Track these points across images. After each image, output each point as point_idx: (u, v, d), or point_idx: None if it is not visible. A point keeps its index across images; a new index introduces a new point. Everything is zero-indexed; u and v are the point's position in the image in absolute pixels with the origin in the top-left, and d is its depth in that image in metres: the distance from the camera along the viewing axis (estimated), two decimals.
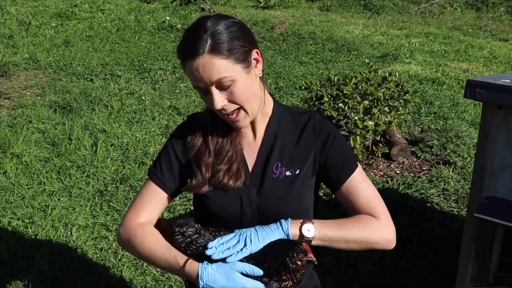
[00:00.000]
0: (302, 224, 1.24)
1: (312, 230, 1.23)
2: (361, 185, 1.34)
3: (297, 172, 1.34)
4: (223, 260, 1.20)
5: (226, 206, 1.33)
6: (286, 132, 1.36)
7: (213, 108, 1.25)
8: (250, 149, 1.37)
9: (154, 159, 1.43)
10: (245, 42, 1.25)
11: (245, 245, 1.20)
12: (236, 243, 1.21)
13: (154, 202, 1.38)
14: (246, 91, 1.25)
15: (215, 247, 1.20)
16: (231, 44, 1.21)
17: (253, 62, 1.27)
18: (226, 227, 1.30)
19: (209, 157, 1.34)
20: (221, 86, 1.22)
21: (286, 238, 1.23)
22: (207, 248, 1.22)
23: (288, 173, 1.33)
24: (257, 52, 1.28)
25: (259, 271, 1.19)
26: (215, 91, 1.22)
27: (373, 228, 1.31)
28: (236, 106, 1.25)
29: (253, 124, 1.36)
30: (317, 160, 1.35)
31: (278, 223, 1.25)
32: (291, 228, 1.23)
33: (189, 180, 1.39)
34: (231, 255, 1.19)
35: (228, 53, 1.21)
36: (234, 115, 1.26)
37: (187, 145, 1.37)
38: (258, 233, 1.22)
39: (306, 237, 1.23)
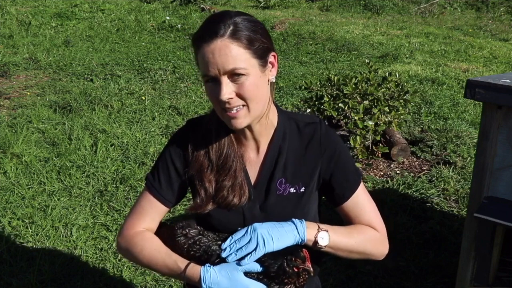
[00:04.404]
0: (318, 232, 1.23)
1: (326, 238, 1.23)
2: (363, 202, 1.34)
3: (302, 189, 1.31)
4: (225, 260, 1.20)
5: (229, 223, 1.30)
6: (291, 146, 1.32)
7: (218, 99, 1.17)
8: (253, 162, 1.33)
9: (152, 166, 1.39)
10: (266, 39, 1.21)
11: (257, 246, 1.18)
12: (248, 241, 1.19)
13: (153, 214, 1.35)
14: (256, 89, 1.19)
15: (229, 247, 1.19)
16: (253, 36, 1.17)
17: (269, 65, 1.23)
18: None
19: (212, 172, 1.30)
20: (233, 77, 1.16)
21: (300, 242, 1.22)
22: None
23: (292, 190, 1.30)
24: (274, 56, 1.24)
25: (260, 268, 1.19)
26: (225, 81, 1.16)
27: (375, 241, 1.33)
28: (241, 102, 1.19)
29: (256, 135, 1.30)
30: (321, 176, 1.33)
31: (293, 224, 1.23)
32: (306, 233, 1.22)
33: (189, 188, 1.37)
34: (244, 257, 1.18)
35: (248, 44, 1.16)
36: (235, 111, 1.19)
37: (188, 157, 1.32)
38: (273, 234, 1.19)
39: (319, 245, 1.23)
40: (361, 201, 1.34)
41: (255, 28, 1.19)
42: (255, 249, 1.18)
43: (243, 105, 1.20)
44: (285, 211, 1.29)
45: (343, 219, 1.37)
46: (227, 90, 1.16)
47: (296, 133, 1.33)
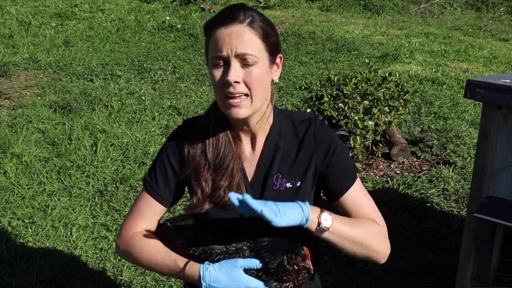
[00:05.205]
0: (321, 212, 1.21)
1: (329, 220, 1.21)
2: (361, 196, 1.33)
3: (298, 184, 1.31)
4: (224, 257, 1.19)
5: (226, 220, 1.30)
6: (286, 142, 1.33)
7: (225, 80, 1.18)
8: (249, 159, 1.34)
9: (150, 166, 1.40)
10: (277, 38, 1.26)
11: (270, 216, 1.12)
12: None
13: (151, 214, 1.36)
14: (262, 80, 1.22)
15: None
16: (268, 31, 1.23)
17: (275, 64, 1.27)
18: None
19: (209, 171, 1.30)
20: (244, 62, 1.19)
21: (304, 221, 1.18)
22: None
23: (289, 184, 1.31)
24: (280, 57, 1.29)
25: (259, 264, 1.18)
26: (235, 64, 1.19)
27: (378, 235, 1.30)
28: (245, 90, 1.21)
29: (253, 132, 1.32)
30: (318, 170, 1.32)
31: (297, 203, 1.20)
32: (310, 212, 1.20)
33: (186, 188, 1.37)
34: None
35: (264, 36, 1.21)
36: (238, 100, 1.21)
37: (184, 156, 1.32)
38: (280, 209, 1.15)
39: (323, 226, 1.19)
40: (358, 196, 1.33)
41: (270, 25, 1.25)
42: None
43: (246, 95, 1.22)
44: None
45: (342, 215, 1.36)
46: (236, 72, 1.19)
47: (292, 131, 1.34)
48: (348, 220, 1.28)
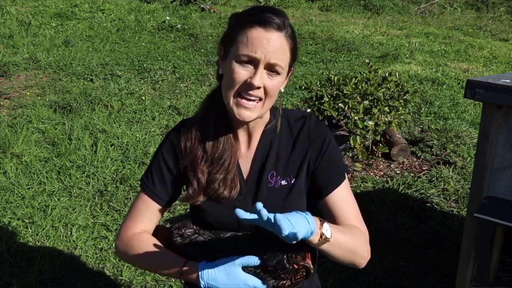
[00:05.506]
0: (321, 223, 1.15)
1: (329, 230, 1.16)
2: (347, 197, 1.33)
3: (293, 181, 1.32)
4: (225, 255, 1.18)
5: (222, 217, 1.31)
6: (281, 140, 1.34)
7: (248, 81, 1.21)
8: (245, 156, 1.35)
9: (146, 167, 1.40)
10: (297, 52, 1.30)
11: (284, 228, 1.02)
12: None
13: (149, 214, 1.36)
14: (277, 89, 1.26)
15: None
16: (296, 45, 1.27)
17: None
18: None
19: (206, 163, 1.31)
20: (270, 70, 1.23)
21: (309, 234, 1.09)
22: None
23: (283, 182, 1.31)
24: (291, 70, 1.32)
25: (257, 261, 1.17)
26: (262, 69, 1.21)
27: (363, 240, 1.29)
28: (262, 95, 1.24)
29: (250, 130, 1.34)
30: (310, 167, 1.33)
31: (300, 214, 1.10)
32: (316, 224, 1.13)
33: (184, 186, 1.38)
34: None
35: (293, 50, 1.26)
36: (251, 103, 1.23)
37: (181, 152, 1.33)
38: (291, 220, 1.05)
39: (325, 238, 1.14)
40: (345, 196, 1.32)
41: (296, 38, 1.28)
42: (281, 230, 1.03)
43: (260, 100, 1.24)
44: (277, 204, 1.30)
45: (326, 216, 1.32)
46: (261, 78, 1.22)
47: (287, 128, 1.36)
48: (340, 228, 1.25)
